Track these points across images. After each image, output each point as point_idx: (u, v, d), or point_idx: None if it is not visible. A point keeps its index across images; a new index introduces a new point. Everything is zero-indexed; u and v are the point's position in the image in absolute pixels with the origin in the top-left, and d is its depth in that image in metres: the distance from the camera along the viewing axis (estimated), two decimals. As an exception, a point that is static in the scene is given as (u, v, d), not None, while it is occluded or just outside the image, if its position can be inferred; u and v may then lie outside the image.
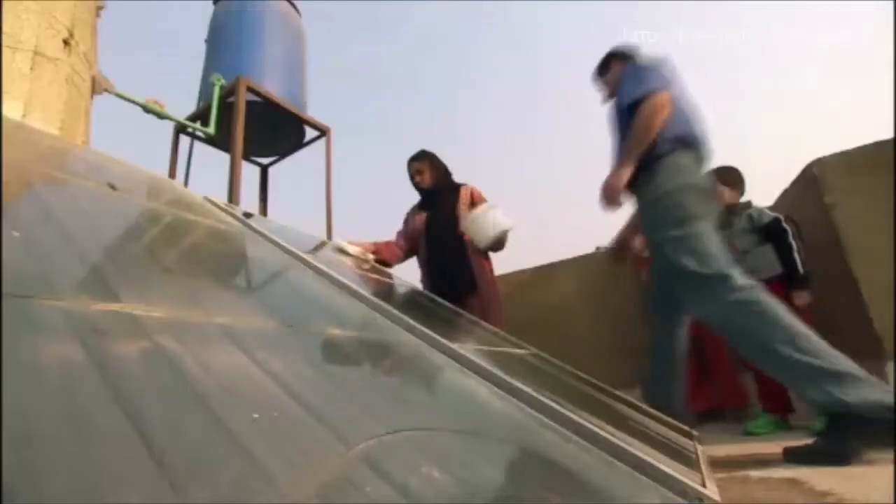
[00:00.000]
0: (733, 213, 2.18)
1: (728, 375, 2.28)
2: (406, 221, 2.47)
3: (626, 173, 1.56)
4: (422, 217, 2.37)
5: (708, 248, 1.45)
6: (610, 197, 1.60)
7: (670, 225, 1.51)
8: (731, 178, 2.26)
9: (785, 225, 2.03)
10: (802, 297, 1.96)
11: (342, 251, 1.87)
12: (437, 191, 2.37)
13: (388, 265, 2.27)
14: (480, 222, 2.12)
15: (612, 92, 1.81)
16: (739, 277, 1.39)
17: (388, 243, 2.35)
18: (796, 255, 1.98)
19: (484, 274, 2.24)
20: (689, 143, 1.59)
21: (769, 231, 2.06)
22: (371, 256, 2.10)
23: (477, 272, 2.21)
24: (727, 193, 2.20)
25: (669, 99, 1.55)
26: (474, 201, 2.34)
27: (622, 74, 1.76)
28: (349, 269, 1.48)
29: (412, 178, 2.42)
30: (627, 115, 1.60)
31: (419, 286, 2.38)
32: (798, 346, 1.28)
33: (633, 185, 1.61)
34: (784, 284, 2.00)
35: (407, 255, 2.41)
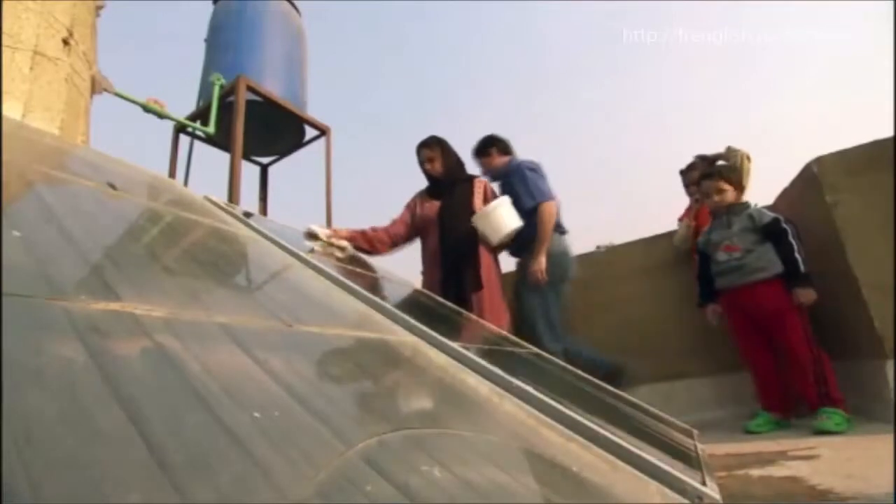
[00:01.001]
0: (734, 214, 2.18)
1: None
2: (411, 207, 2.35)
3: (543, 261, 2.22)
4: (433, 205, 2.27)
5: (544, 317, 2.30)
6: (538, 278, 2.22)
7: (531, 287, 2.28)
8: (734, 178, 2.27)
9: (785, 225, 2.04)
10: (808, 295, 1.95)
11: (312, 236, 1.76)
12: (450, 180, 2.28)
13: (371, 253, 2.16)
14: (493, 218, 2.08)
15: (493, 175, 2.47)
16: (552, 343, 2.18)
17: (371, 231, 2.21)
18: (797, 255, 1.98)
19: (492, 272, 2.21)
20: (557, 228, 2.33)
21: (769, 231, 2.07)
22: (344, 244, 1.96)
23: (486, 269, 2.17)
24: (730, 194, 2.21)
25: (556, 205, 2.28)
26: (487, 197, 2.28)
27: (513, 173, 2.37)
28: (348, 268, 1.48)
29: (422, 164, 2.32)
30: (528, 213, 2.24)
31: (418, 277, 2.33)
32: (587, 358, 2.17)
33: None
34: (785, 283, 2.00)
35: (400, 243, 2.30)
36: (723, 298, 2.24)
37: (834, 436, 1.65)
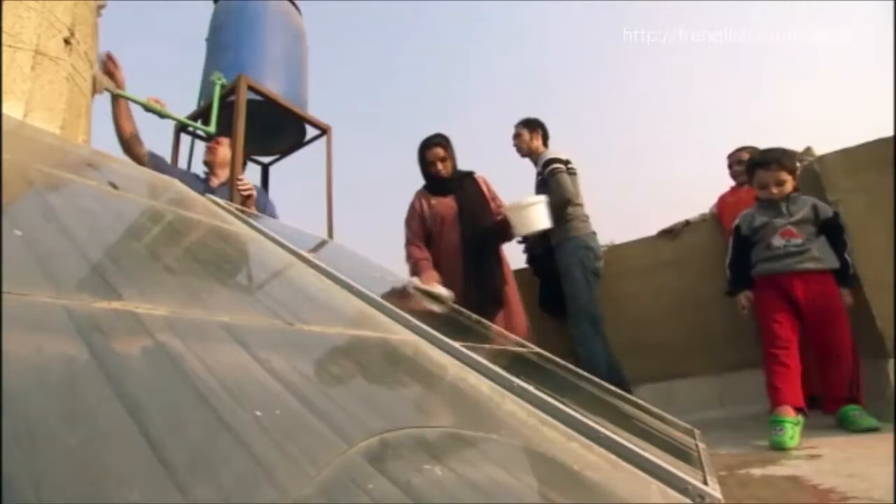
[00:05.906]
0: (792, 202, 1.97)
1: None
2: (418, 211, 2.25)
3: None
4: (442, 202, 2.21)
5: None
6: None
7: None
8: (792, 165, 2.02)
9: (841, 221, 1.92)
10: (850, 297, 1.86)
11: (424, 293, 1.62)
12: (458, 178, 2.26)
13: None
14: (528, 213, 2.00)
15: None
16: None
17: (430, 259, 2.14)
18: (848, 255, 1.88)
19: (510, 276, 2.23)
20: None
21: (830, 225, 1.92)
22: (444, 293, 1.85)
23: (506, 273, 2.19)
24: (790, 183, 1.98)
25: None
26: (490, 193, 2.30)
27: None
28: (349, 267, 1.48)
29: (431, 164, 2.22)
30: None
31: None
32: None
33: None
34: (836, 279, 1.87)
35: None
36: (765, 284, 2.00)
37: (835, 435, 1.65)
